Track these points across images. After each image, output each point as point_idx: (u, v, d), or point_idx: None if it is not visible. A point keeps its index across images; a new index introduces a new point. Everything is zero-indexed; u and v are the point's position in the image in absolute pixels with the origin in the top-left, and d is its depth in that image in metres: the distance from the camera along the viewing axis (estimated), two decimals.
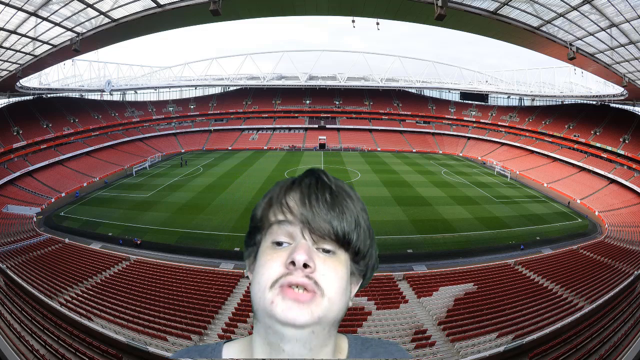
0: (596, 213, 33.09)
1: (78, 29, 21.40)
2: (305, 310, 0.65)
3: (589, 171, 42.19)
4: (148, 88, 59.67)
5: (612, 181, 38.94)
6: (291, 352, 0.66)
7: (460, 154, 58.49)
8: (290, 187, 0.75)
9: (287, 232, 0.71)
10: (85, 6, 18.60)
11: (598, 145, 43.34)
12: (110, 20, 20.54)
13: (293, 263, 0.67)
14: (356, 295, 0.81)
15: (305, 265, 0.67)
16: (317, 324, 0.66)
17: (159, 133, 59.08)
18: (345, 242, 0.71)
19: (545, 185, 41.61)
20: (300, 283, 0.66)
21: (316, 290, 0.66)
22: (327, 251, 0.71)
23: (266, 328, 0.68)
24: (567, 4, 17.54)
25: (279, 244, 0.71)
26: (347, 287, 0.72)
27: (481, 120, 61.83)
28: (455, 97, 67.02)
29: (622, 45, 20.81)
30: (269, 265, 0.69)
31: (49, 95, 47.13)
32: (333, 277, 0.69)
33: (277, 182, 0.79)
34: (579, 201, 36.16)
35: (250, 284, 0.74)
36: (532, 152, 51.22)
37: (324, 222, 0.70)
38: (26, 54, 24.30)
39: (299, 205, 0.72)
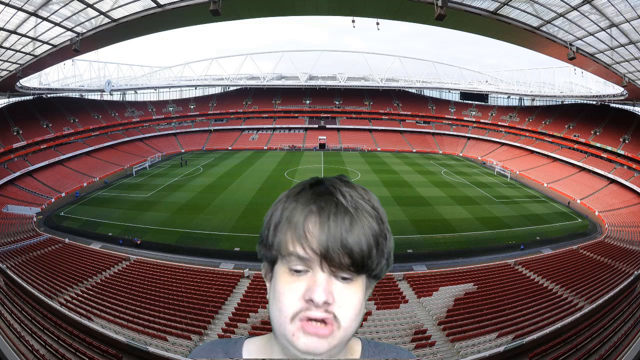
0: (596, 213, 33.09)
1: (78, 29, 21.40)
2: (324, 342, 0.70)
3: (589, 171, 42.18)
4: (148, 88, 59.64)
5: (612, 181, 38.93)
6: None
7: (460, 154, 58.49)
8: (308, 215, 0.71)
9: (305, 263, 0.71)
10: (85, 6, 18.60)
11: (598, 145, 43.34)
12: (110, 20, 20.53)
13: (312, 300, 0.69)
14: None
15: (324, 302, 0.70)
16: (333, 348, 0.71)
17: (159, 133, 59.07)
18: (364, 270, 0.72)
19: (545, 185, 41.61)
20: (320, 319, 0.70)
21: (334, 323, 0.70)
22: (344, 278, 0.72)
23: (284, 347, 0.73)
24: (567, 4, 17.54)
25: (297, 271, 0.72)
26: (362, 309, 0.74)
27: (481, 120, 61.82)
28: (455, 97, 67.01)
29: (622, 45, 20.80)
30: (289, 296, 0.71)
31: (49, 95, 47.09)
32: (350, 307, 0.72)
33: (295, 197, 0.75)
34: (579, 201, 36.16)
35: (267, 302, 0.76)
36: (532, 152, 51.22)
37: (343, 255, 0.69)
38: (26, 54, 24.29)
39: (318, 238, 0.70)
